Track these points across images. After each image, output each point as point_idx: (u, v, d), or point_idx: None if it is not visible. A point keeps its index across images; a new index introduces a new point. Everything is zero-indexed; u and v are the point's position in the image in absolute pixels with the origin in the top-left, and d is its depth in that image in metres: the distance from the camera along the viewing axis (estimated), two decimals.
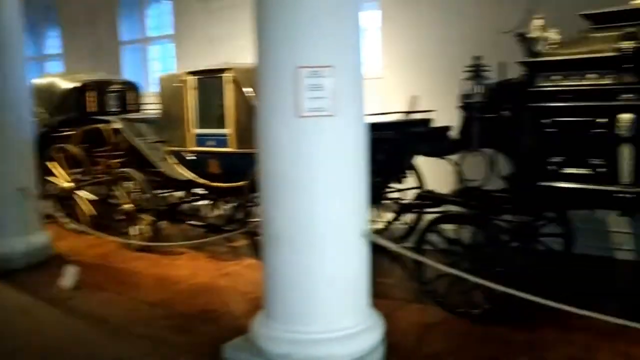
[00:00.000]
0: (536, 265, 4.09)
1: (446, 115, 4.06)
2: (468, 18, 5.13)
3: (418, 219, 4.75)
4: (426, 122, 4.51)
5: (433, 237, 3.62)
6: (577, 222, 4.13)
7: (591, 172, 3.09)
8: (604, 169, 3.04)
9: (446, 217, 3.58)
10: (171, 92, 5.34)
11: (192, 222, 5.59)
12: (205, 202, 5.80)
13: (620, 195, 2.98)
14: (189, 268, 4.77)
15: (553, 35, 3.17)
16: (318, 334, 2.68)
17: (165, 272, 4.68)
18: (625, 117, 2.91)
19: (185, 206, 5.96)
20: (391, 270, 4.46)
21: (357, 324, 2.75)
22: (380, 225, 4.90)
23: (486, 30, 4.52)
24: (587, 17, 3.19)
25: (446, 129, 4.12)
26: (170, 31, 7.93)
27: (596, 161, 3.07)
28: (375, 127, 4.09)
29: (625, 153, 2.95)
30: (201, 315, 3.69)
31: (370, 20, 6.01)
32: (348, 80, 2.65)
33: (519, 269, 3.89)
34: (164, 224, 5.52)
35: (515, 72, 3.43)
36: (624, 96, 2.92)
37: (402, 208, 4.35)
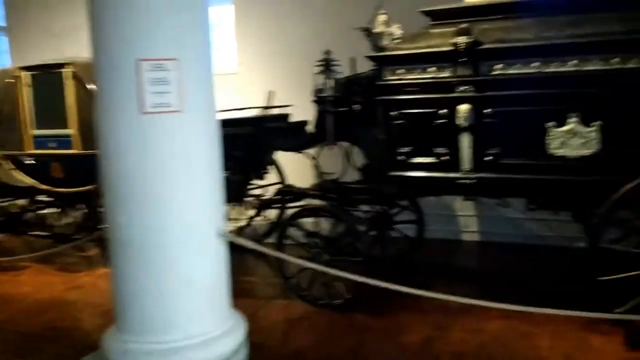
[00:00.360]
0: (392, 252, 4.28)
1: (303, 110, 4.09)
2: (321, 14, 5.22)
3: (280, 215, 4.75)
4: (284, 117, 4.51)
5: (294, 232, 3.64)
6: (427, 208, 4.38)
7: (436, 161, 3.27)
8: (447, 157, 3.23)
9: (304, 211, 3.60)
10: (3, 90, 4.80)
11: (35, 233, 5.09)
12: (53, 209, 5.32)
13: (462, 181, 3.19)
14: (34, 283, 4.34)
15: (396, 30, 3.30)
16: (176, 342, 2.53)
17: (5, 290, 4.20)
18: (463, 107, 3.11)
19: (30, 215, 5.42)
20: (255, 268, 4.42)
21: (218, 327, 2.64)
22: (242, 223, 4.82)
23: (339, 25, 4.61)
24: (426, 13, 3.37)
25: (303, 123, 4.15)
26: (1, 23, 7.15)
27: (440, 150, 3.25)
28: (231, 123, 4.01)
29: (465, 142, 3.16)
30: (48, 334, 3.37)
31: (224, 15, 5.89)
32: (196, 74, 2.52)
33: (376, 257, 4.07)
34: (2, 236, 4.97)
35: (367, 67, 3.53)
36: (461, 88, 3.12)
37: (263, 204, 4.31)
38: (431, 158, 3.29)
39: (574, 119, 2.91)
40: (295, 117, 4.45)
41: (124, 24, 2.36)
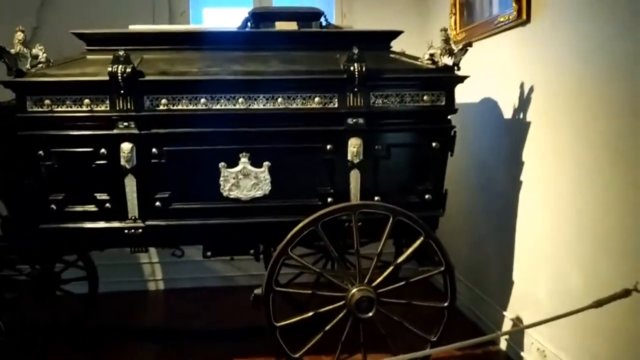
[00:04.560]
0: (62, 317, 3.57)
1: None
2: None
3: None
4: None
5: None
6: (104, 259, 3.79)
7: (97, 209, 2.76)
8: (110, 205, 2.76)
9: None
10: None
11: None
12: None
13: (129, 231, 2.76)
14: None
15: (39, 52, 2.72)
16: None
17: None
18: (126, 146, 2.69)
19: None
20: None
21: None
22: None
23: None
24: (80, 36, 2.88)
25: None
26: None
27: (102, 196, 2.76)
28: None
29: (130, 186, 2.74)
30: None
31: None
32: None
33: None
34: None
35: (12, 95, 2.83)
36: (123, 124, 2.70)
37: None
38: (91, 206, 2.77)
39: (244, 159, 2.77)
40: None
41: None
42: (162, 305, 4.41)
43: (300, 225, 2.68)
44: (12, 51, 2.67)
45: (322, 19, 3.06)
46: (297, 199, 2.84)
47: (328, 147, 2.79)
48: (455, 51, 2.83)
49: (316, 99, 2.78)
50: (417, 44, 3.36)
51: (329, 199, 2.84)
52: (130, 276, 4.51)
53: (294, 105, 2.77)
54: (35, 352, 3.30)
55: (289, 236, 2.68)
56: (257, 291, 2.71)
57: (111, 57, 2.69)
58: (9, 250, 2.96)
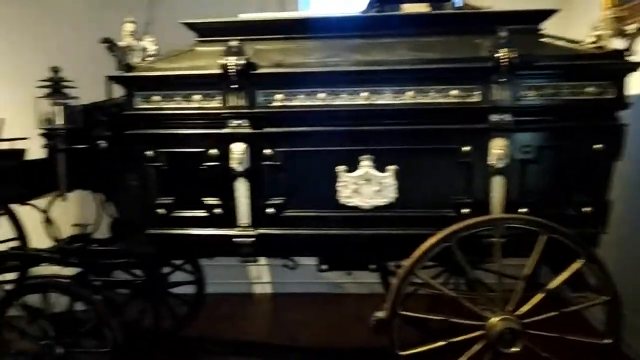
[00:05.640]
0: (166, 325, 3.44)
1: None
2: (73, 19, 4.19)
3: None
4: (16, 154, 3.40)
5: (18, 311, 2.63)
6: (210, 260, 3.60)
7: (207, 215, 2.54)
8: (220, 210, 2.52)
9: (26, 289, 2.59)
10: None
11: None
12: None
13: (239, 240, 2.50)
14: None
15: (149, 45, 2.52)
16: None
17: None
18: (238, 147, 2.43)
19: None
20: None
21: None
22: None
23: (88, 38, 3.69)
24: (191, 27, 2.65)
25: (41, 163, 3.10)
26: None
27: (211, 201, 2.53)
28: None
29: (241, 190, 2.48)
30: None
31: None
32: None
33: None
34: None
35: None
36: (235, 123, 2.44)
37: None
38: (200, 211, 2.55)
39: (366, 162, 2.42)
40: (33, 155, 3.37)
41: None
42: (267, 312, 4.20)
43: (433, 240, 2.29)
44: (121, 44, 2.49)
45: None
46: (426, 209, 2.45)
47: (466, 148, 2.37)
48: (628, 32, 2.29)
49: (453, 92, 2.36)
50: (555, 26, 2.80)
51: (465, 210, 2.42)
52: (235, 278, 4.34)
53: (426, 100, 2.37)
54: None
55: (418, 252, 2.30)
56: (379, 314, 2.36)
57: (222, 48, 2.44)
58: (120, 253, 2.82)
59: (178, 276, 3.49)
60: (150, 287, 3.26)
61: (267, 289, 4.43)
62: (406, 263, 2.30)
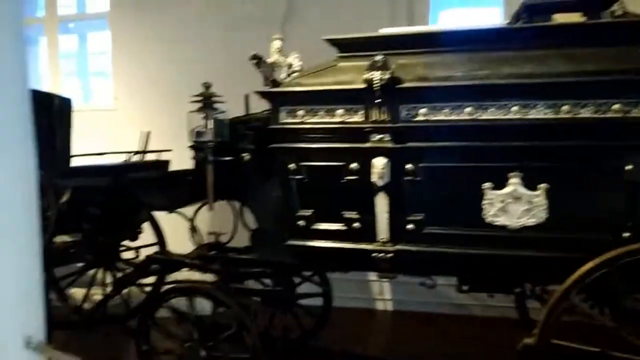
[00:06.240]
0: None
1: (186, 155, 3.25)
2: (215, 38, 4.44)
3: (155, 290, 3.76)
4: (160, 165, 3.65)
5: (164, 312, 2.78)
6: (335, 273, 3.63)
7: (346, 228, 2.54)
8: (359, 224, 2.52)
9: (173, 292, 2.73)
10: None
11: None
12: None
13: (378, 255, 2.48)
14: None
15: (294, 61, 2.59)
16: None
17: None
18: (379, 162, 2.42)
19: None
20: None
21: None
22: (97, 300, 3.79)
23: (233, 54, 3.89)
24: (333, 43, 2.69)
25: (185, 173, 3.29)
26: None
27: (351, 214, 2.54)
28: (85, 172, 3.12)
29: (381, 205, 2.46)
30: None
31: (102, 42, 5.01)
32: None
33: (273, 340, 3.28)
34: None
35: (264, 106, 2.78)
36: (377, 137, 2.44)
37: (120, 282, 3.32)
38: (339, 224, 2.56)
39: (515, 180, 2.31)
40: (175, 166, 3.60)
41: None
42: (387, 330, 4.13)
43: (591, 265, 2.12)
44: (269, 61, 2.58)
45: (616, 6, 2.45)
46: (580, 232, 2.28)
47: (629, 167, 2.19)
48: None
49: (615, 106, 2.19)
50: None
51: (626, 234, 2.22)
52: (357, 293, 4.32)
53: (584, 114, 2.23)
54: None
55: (574, 277, 2.14)
56: (528, 341, 2.22)
57: (364, 63, 2.46)
58: (256, 262, 2.90)
59: (304, 288, 3.54)
60: (281, 297, 3.33)
61: (389, 306, 4.37)
62: (560, 287, 2.16)
